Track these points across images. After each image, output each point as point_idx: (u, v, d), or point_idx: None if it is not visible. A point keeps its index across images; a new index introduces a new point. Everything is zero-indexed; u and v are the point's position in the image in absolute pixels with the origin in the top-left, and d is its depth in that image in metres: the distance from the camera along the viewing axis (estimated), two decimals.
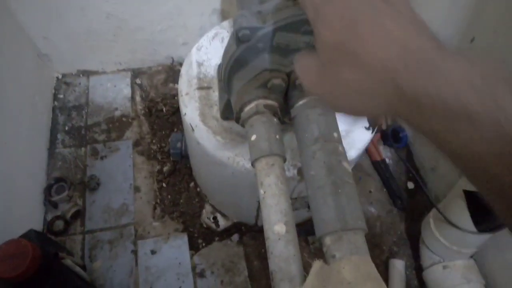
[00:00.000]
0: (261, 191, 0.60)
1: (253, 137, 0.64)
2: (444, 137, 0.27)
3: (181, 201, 1.23)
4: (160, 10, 1.27)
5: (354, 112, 0.35)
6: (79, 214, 1.17)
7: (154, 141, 1.35)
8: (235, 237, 1.17)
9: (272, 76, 0.64)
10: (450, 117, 0.25)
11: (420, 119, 0.27)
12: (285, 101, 0.70)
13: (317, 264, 0.52)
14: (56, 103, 1.38)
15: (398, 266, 1.15)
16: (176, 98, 1.44)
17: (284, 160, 0.64)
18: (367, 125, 0.92)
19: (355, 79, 0.30)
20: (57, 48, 1.33)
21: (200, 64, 0.97)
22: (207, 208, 1.21)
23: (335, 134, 0.63)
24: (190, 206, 1.22)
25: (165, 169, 1.29)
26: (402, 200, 1.27)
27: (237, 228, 1.19)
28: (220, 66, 0.95)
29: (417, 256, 1.17)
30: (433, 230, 1.03)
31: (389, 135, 1.36)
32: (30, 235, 0.89)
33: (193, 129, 0.89)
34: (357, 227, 0.54)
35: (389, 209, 1.28)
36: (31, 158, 1.20)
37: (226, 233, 1.18)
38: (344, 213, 0.54)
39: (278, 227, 0.54)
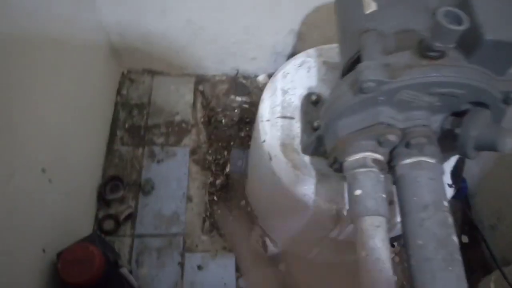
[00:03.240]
0: (363, 253, 0.57)
1: (358, 192, 0.61)
2: None
3: (231, 219, 1.22)
4: (239, 23, 1.26)
5: None
6: (131, 216, 1.17)
7: (210, 151, 1.34)
8: (282, 266, 1.15)
9: (387, 131, 0.62)
10: None
11: None
12: (389, 156, 0.67)
13: None
14: (119, 98, 1.38)
15: None
16: (236, 110, 1.42)
17: (388, 220, 0.61)
18: (450, 182, 0.89)
19: None
20: (129, 45, 1.33)
21: (284, 92, 0.95)
22: (257, 231, 1.19)
23: (445, 203, 0.60)
24: (240, 226, 1.21)
25: (217, 182, 1.28)
26: None
27: (286, 256, 1.16)
28: (306, 98, 0.93)
29: None
30: None
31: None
32: (93, 239, 0.89)
33: (271, 158, 0.87)
34: None
35: None
36: (91, 151, 1.21)
37: (273, 260, 1.16)
38: None
39: None
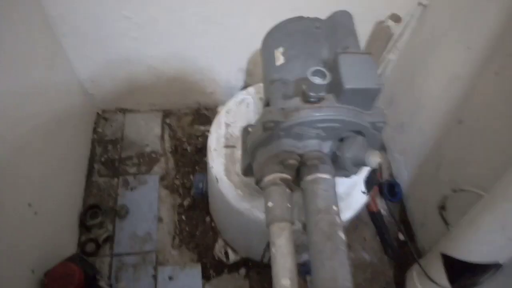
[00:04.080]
0: (273, 250, 0.77)
1: (270, 204, 0.81)
2: None
3: (197, 233, 1.40)
4: (195, 66, 1.47)
5: None
6: (109, 239, 1.34)
7: (178, 176, 1.53)
8: (242, 271, 1.33)
9: (288, 157, 0.82)
10: None
11: None
12: (297, 174, 0.87)
13: None
14: (95, 136, 1.57)
15: None
16: (199, 138, 1.62)
17: (292, 223, 0.81)
18: (363, 189, 1.09)
19: None
20: (101, 89, 1.53)
21: (228, 125, 1.15)
22: (220, 243, 1.37)
23: (335, 208, 0.80)
24: (205, 239, 1.39)
25: (185, 203, 1.47)
26: (393, 249, 1.43)
27: (245, 262, 1.35)
28: (245, 130, 1.14)
29: None
30: (415, 283, 1.19)
31: (385, 189, 1.53)
32: (75, 258, 1.07)
33: (217, 181, 1.07)
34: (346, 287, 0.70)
35: (380, 256, 1.44)
36: (72, 184, 1.39)
37: (234, 266, 1.34)
38: (337, 275, 0.70)
39: (284, 281, 0.71)
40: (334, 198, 0.82)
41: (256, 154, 0.89)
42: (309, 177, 0.84)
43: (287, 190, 0.84)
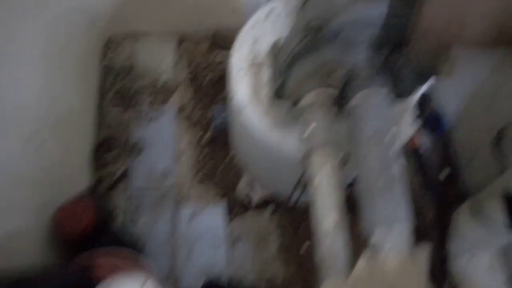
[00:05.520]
0: (316, 180, 0.63)
1: (312, 125, 0.66)
2: None
3: (220, 169, 1.29)
4: None
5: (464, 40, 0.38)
6: (126, 174, 1.24)
7: (197, 108, 1.38)
8: (269, 209, 1.22)
9: (337, 67, 0.65)
10: None
11: None
12: (341, 94, 0.71)
13: (364, 258, 0.56)
14: (105, 64, 1.42)
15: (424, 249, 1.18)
16: (220, 66, 1.45)
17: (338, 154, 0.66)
18: (412, 118, 0.93)
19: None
20: (108, 9, 1.35)
21: (254, 41, 0.97)
22: (245, 179, 1.25)
23: (390, 132, 0.64)
24: (228, 175, 1.28)
25: (206, 136, 1.34)
26: (436, 189, 1.28)
27: (272, 201, 1.24)
28: (275, 45, 0.96)
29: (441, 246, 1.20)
30: (467, 219, 1.06)
31: (429, 120, 1.35)
32: (87, 194, 0.97)
33: (242, 108, 0.92)
34: (404, 224, 0.57)
35: (420, 198, 1.30)
36: (81, 116, 1.26)
37: (261, 205, 1.23)
38: (394, 212, 0.57)
39: (329, 221, 0.58)
40: (389, 120, 0.66)
41: (292, 68, 0.72)
42: (360, 95, 0.68)
43: (333, 110, 0.69)
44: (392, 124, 0.65)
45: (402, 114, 0.92)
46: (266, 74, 0.93)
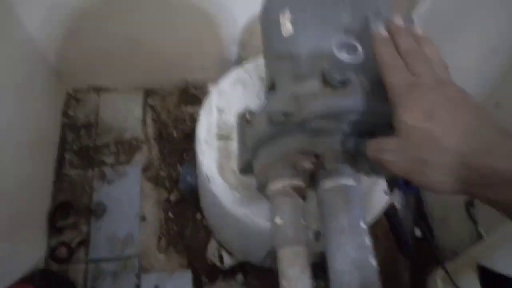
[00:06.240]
0: (283, 282, 0.58)
1: (278, 221, 0.62)
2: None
3: (187, 233, 1.22)
4: (179, 37, 1.24)
5: (426, 186, 0.39)
6: (84, 242, 1.15)
7: (163, 167, 1.33)
8: (240, 277, 1.16)
9: (302, 159, 0.62)
10: None
11: (490, 193, 0.34)
12: (311, 179, 0.68)
13: None
14: (65, 120, 1.35)
15: None
16: (187, 122, 1.41)
17: (307, 247, 0.62)
18: (386, 189, 0.91)
19: (434, 160, 0.37)
20: (69, 64, 1.30)
21: (220, 111, 0.94)
22: (213, 244, 1.19)
23: (362, 225, 0.61)
24: (196, 240, 1.21)
25: (172, 198, 1.28)
26: (409, 248, 1.26)
27: (242, 267, 1.18)
28: (242, 117, 0.93)
29: None
30: None
31: (400, 179, 1.35)
32: (34, 276, 0.88)
33: (209, 180, 0.87)
34: None
35: (395, 255, 1.27)
36: (37, 178, 1.18)
37: (230, 272, 1.17)
38: None
39: None
40: (361, 212, 0.63)
41: (258, 152, 0.69)
42: (329, 184, 0.65)
43: (300, 200, 0.65)
44: (365, 212, 0.62)
45: (372, 185, 0.90)
46: (233, 147, 0.89)
